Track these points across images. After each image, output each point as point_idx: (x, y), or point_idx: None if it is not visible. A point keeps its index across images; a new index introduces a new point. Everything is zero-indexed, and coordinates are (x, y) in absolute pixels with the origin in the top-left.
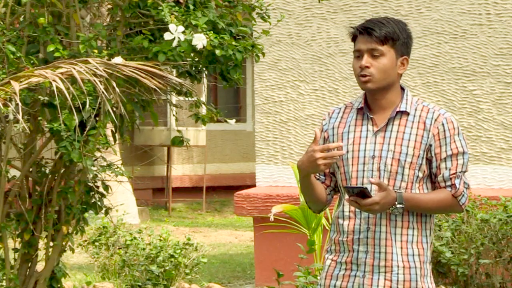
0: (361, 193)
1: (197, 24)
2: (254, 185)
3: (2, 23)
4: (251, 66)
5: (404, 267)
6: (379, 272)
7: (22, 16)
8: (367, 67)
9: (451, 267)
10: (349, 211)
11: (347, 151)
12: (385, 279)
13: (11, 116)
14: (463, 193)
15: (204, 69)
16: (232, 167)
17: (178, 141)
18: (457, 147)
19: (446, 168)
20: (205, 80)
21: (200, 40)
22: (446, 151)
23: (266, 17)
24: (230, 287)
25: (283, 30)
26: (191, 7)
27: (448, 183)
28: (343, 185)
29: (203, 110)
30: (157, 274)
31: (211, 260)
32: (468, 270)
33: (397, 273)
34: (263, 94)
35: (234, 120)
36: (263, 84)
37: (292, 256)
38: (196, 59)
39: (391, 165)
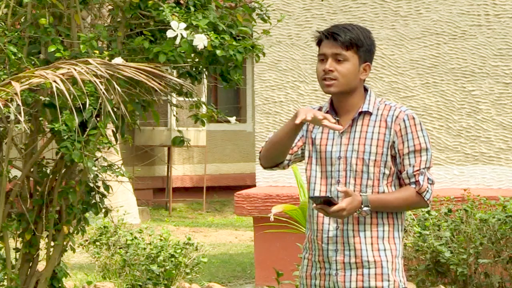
0: (327, 201)
1: (198, 25)
2: (254, 185)
3: (3, 24)
4: (251, 67)
5: (375, 261)
6: (350, 269)
7: (23, 17)
8: (331, 71)
9: (450, 266)
10: None
11: (315, 151)
12: (357, 274)
13: (12, 117)
14: (427, 189)
15: (204, 69)
16: (232, 167)
17: (179, 141)
18: (420, 143)
19: (410, 164)
20: (205, 81)
21: (201, 41)
22: (408, 147)
23: (266, 18)
24: (230, 287)
25: (283, 31)
26: (192, 8)
27: (412, 179)
28: (310, 188)
29: (203, 110)
30: (158, 273)
31: (211, 260)
32: (467, 269)
33: (369, 268)
34: (263, 95)
35: (234, 117)
36: (263, 85)
37: (292, 256)
38: (197, 60)
39: (356, 164)
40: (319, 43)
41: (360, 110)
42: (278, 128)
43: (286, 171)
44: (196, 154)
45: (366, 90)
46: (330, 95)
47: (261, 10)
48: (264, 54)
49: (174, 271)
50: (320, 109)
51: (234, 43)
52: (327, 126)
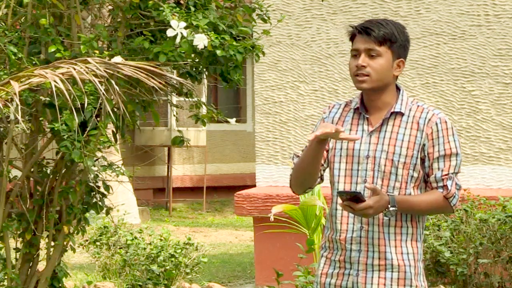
0: (354, 198)
1: (198, 25)
2: (254, 185)
3: (3, 24)
4: (251, 67)
5: (399, 265)
6: (373, 270)
7: (24, 17)
8: (364, 66)
9: (450, 266)
10: (342, 209)
11: (341, 148)
12: (379, 277)
13: (12, 117)
14: (454, 194)
15: (204, 70)
16: (232, 167)
17: (179, 141)
18: (450, 148)
19: (438, 168)
20: (205, 81)
21: (201, 41)
22: (439, 151)
23: (266, 18)
24: (230, 287)
25: (283, 31)
26: (192, 8)
27: (440, 184)
28: (334, 187)
29: (204, 110)
30: (158, 273)
31: (212, 260)
32: (467, 269)
33: (392, 271)
34: (263, 95)
35: (234, 119)
36: (263, 85)
37: (292, 256)
38: (197, 60)
39: (385, 165)
40: (352, 38)
41: (392, 110)
42: (277, 128)
43: (286, 171)
44: (196, 154)
45: (398, 89)
46: (361, 91)
47: (261, 11)
48: (264, 54)
49: (174, 271)
50: (348, 103)
51: (234, 43)
52: (345, 138)
